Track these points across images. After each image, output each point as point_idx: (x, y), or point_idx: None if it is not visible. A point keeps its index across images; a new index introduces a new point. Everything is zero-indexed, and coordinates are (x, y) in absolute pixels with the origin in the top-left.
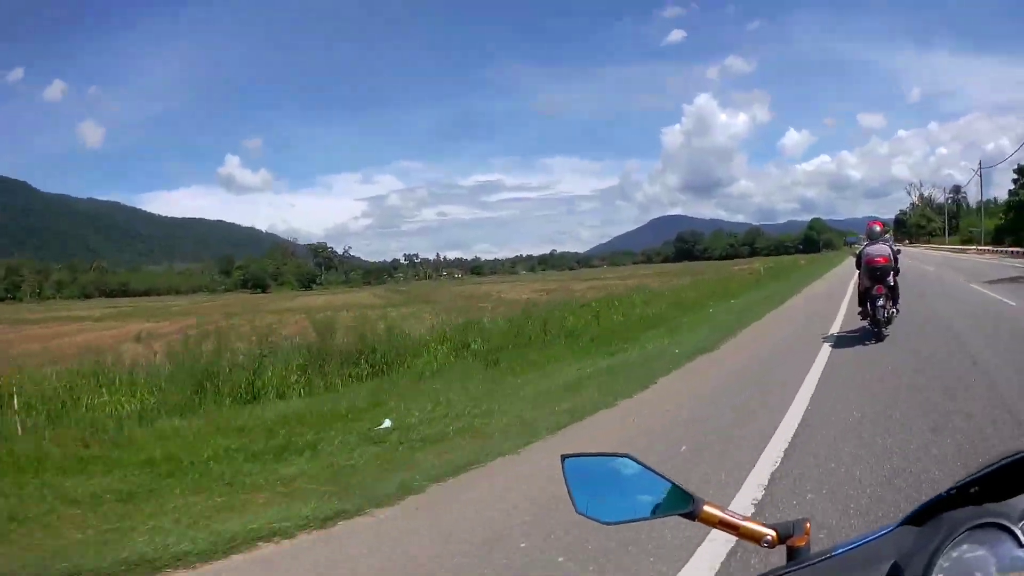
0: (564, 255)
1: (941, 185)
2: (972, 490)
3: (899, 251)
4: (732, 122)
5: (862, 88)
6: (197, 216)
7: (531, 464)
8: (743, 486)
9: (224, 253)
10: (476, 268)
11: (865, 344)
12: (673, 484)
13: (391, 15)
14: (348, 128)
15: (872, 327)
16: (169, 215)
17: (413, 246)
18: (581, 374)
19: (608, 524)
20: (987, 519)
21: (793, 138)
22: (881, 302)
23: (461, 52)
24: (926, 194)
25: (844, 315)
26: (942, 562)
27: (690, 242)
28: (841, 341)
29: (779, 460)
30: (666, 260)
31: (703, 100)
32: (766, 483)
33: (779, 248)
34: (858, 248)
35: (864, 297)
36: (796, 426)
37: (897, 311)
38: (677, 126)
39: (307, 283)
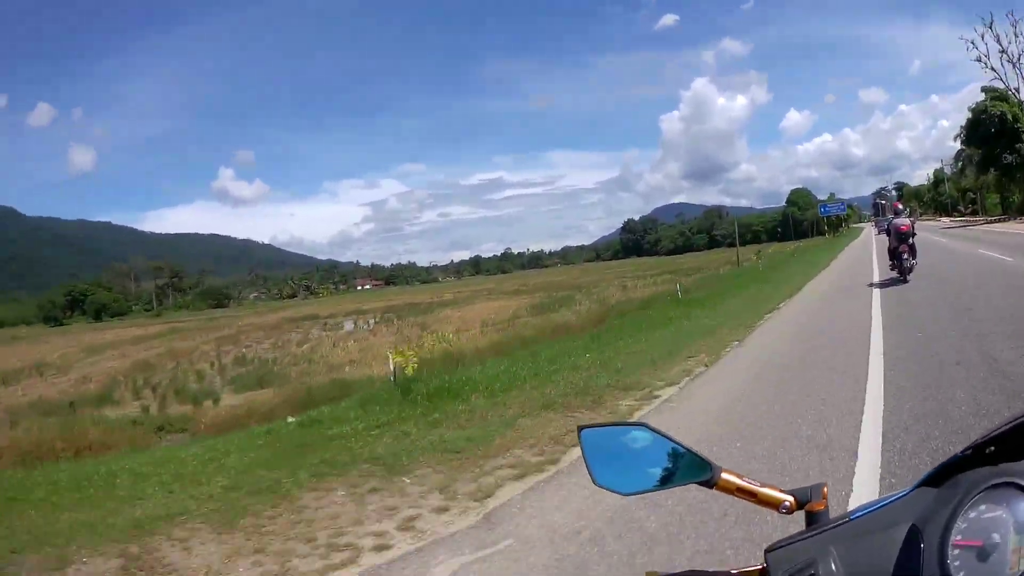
0: (520, 255)
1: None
2: (988, 450)
3: (915, 221)
4: (731, 105)
5: (861, 64)
6: (191, 232)
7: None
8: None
9: (208, 268)
10: (392, 278)
11: (896, 285)
12: (690, 452)
13: (385, 19)
14: (348, 135)
15: (899, 275)
16: (163, 232)
17: (416, 249)
18: None
19: (627, 495)
20: (1004, 479)
21: (794, 119)
22: (906, 256)
23: (456, 52)
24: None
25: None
26: (960, 523)
27: (638, 233)
28: (883, 284)
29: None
30: (616, 256)
31: (700, 85)
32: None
33: (745, 234)
34: (877, 221)
35: (893, 254)
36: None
37: (916, 262)
38: (675, 113)
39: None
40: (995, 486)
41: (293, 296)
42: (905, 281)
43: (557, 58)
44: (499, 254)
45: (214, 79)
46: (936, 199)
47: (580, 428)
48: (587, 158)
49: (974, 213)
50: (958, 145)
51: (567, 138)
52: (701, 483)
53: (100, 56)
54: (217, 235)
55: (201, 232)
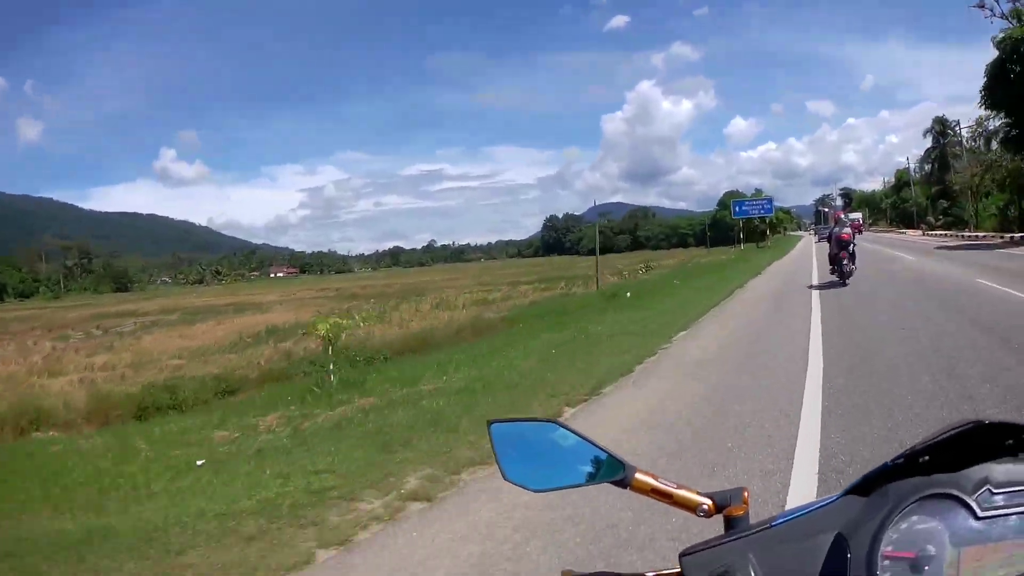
0: (445, 247)
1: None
2: (922, 460)
3: (860, 231)
4: (676, 110)
5: (812, 77)
6: (132, 211)
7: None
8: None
9: (152, 249)
10: (307, 266)
11: (837, 288)
12: (603, 450)
13: (334, 4)
14: (291, 120)
15: (839, 279)
16: (104, 210)
17: (352, 237)
18: None
19: (537, 492)
20: (938, 489)
21: (739, 125)
22: (846, 262)
23: (405, 42)
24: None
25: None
26: (890, 533)
27: (561, 231)
28: (823, 286)
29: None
30: (536, 253)
31: (646, 87)
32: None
33: (671, 237)
34: (817, 229)
35: (833, 260)
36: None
37: (856, 268)
38: (619, 114)
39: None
40: (929, 497)
41: (200, 282)
42: (845, 284)
43: (506, 54)
44: (423, 246)
45: (162, 58)
46: (897, 206)
47: (489, 423)
48: (529, 154)
49: (952, 226)
50: (905, 161)
51: (510, 133)
52: (614, 482)
53: (52, 30)
54: (156, 215)
55: (141, 212)
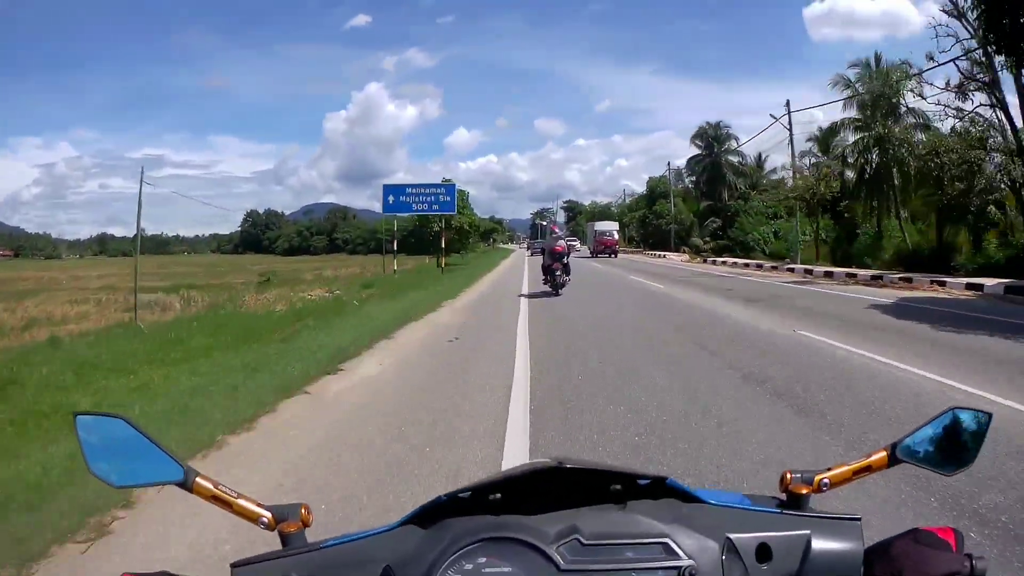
0: (153, 237)
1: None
2: (492, 496)
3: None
4: (400, 114)
5: (545, 96)
6: None
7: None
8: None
9: None
10: (21, 249)
11: (549, 297)
12: (164, 452)
13: None
14: (34, 87)
15: (552, 288)
16: None
17: (79, 220)
18: None
19: (118, 487)
20: (506, 533)
21: (462, 136)
22: (559, 273)
23: (146, 13)
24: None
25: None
26: (452, 573)
27: (260, 226)
28: (534, 296)
29: (527, 325)
30: (236, 250)
31: (374, 89)
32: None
33: (369, 241)
34: (531, 244)
35: (547, 271)
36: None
37: (569, 279)
38: (343, 113)
39: None
40: (497, 539)
41: None
42: (557, 294)
43: (244, 39)
44: (131, 235)
45: None
46: (648, 223)
47: (75, 414)
48: (249, 147)
49: (724, 251)
50: (632, 184)
51: (234, 124)
52: (178, 484)
53: None
54: None
55: None
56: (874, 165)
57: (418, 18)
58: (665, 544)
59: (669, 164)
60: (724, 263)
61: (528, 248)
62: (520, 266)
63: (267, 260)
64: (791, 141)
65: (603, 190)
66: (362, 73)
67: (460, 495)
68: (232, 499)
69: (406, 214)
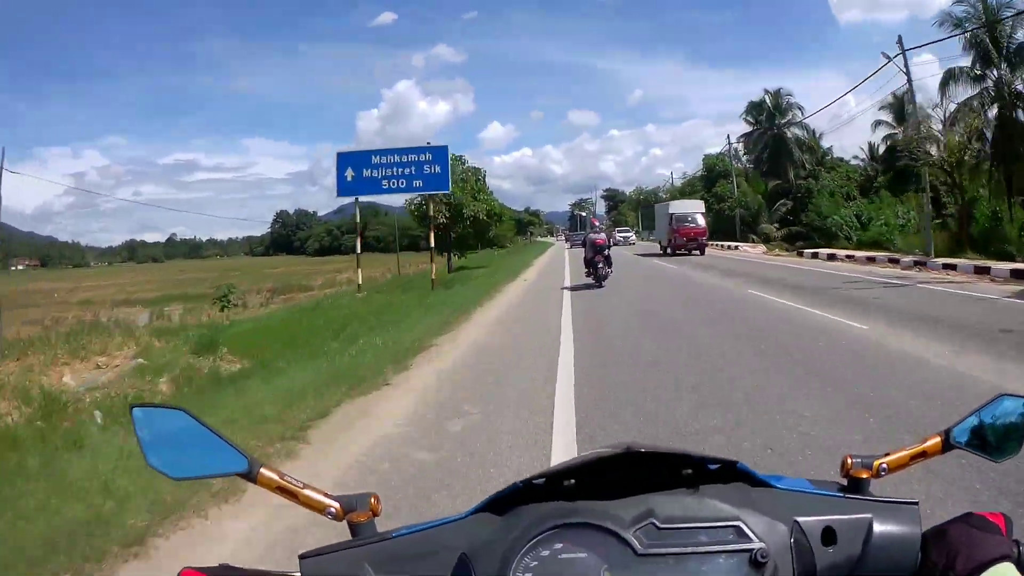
0: (185, 242)
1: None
2: (567, 482)
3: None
4: (431, 111)
5: (576, 88)
6: None
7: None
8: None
9: None
10: (47, 259)
11: (592, 289)
12: (228, 443)
13: None
14: (61, 98)
15: (595, 280)
16: None
17: (111, 227)
18: None
19: (177, 480)
20: (582, 519)
21: (496, 130)
22: (601, 265)
23: (168, 18)
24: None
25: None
26: (527, 560)
27: (291, 227)
28: (577, 288)
29: (571, 315)
30: (267, 252)
31: (404, 86)
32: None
33: (403, 239)
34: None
35: (589, 263)
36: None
37: (611, 271)
38: (375, 111)
39: None
40: (573, 525)
41: None
42: (600, 286)
43: (268, 41)
44: (166, 240)
45: None
46: (710, 208)
47: (131, 406)
48: (282, 148)
49: (797, 239)
50: (668, 173)
51: (265, 126)
52: (242, 476)
53: None
54: None
55: None
56: (996, 127)
57: (443, 14)
58: (737, 527)
59: (729, 137)
60: (829, 257)
61: (567, 240)
62: (558, 274)
63: (288, 262)
64: (910, 87)
65: (638, 180)
66: (392, 71)
67: (534, 482)
68: (298, 489)
69: (371, 196)
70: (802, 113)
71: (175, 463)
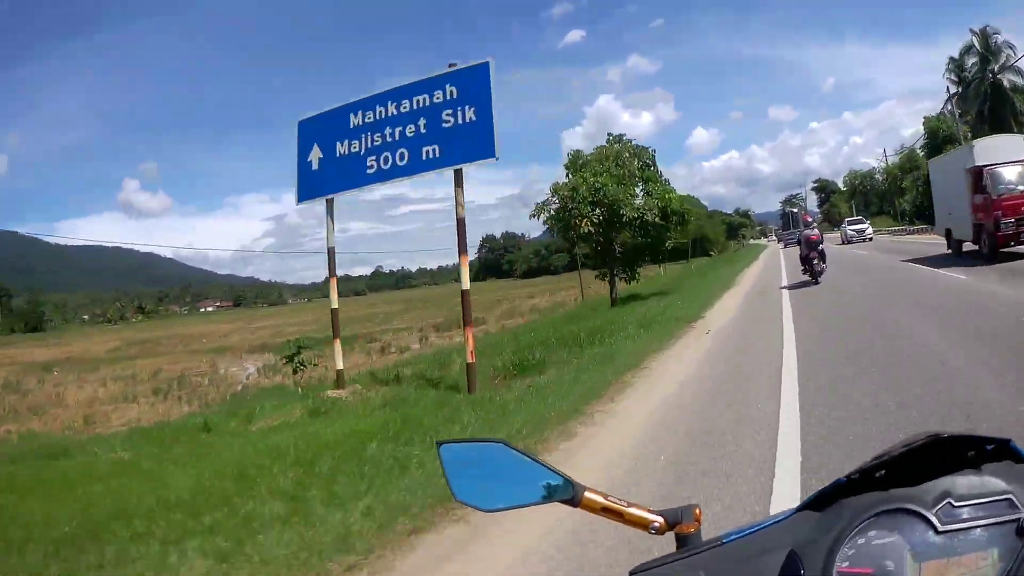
0: (391, 273)
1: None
2: (878, 474)
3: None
4: (636, 122)
5: (771, 82)
6: (95, 244)
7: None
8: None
9: (113, 282)
10: (240, 299)
11: (809, 286)
12: (551, 470)
13: (289, 34)
14: (253, 148)
15: (811, 277)
16: (68, 244)
17: (315, 265)
18: None
19: (488, 511)
20: (896, 504)
21: (700, 136)
22: (816, 261)
23: (348, 62)
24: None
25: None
26: (846, 549)
27: (499, 251)
28: (794, 286)
29: (791, 313)
30: (477, 277)
31: (605, 101)
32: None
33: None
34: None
35: (804, 260)
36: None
37: (825, 266)
38: (578, 129)
39: None
40: (887, 512)
41: (122, 318)
42: (816, 283)
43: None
44: (370, 273)
45: (123, 89)
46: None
47: (439, 443)
48: (489, 174)
49: None
50: (872, 162)
51: None
52: (564, 501)
53: (13, 63)
54: (120, 248)
55: (105, 245)
56: None
57: (629, 25)
58: (1009, 500)
59: (948, 90)
60: None
61: (780, 240)
62: (774, 306)
63: (493, 287)
64: None
65: (843, 170)
66: (590, 87)
67: (849, 478)
68: (623, 508)
69: (351, 191)
70: (1014, 53)
71: (487, 494)
